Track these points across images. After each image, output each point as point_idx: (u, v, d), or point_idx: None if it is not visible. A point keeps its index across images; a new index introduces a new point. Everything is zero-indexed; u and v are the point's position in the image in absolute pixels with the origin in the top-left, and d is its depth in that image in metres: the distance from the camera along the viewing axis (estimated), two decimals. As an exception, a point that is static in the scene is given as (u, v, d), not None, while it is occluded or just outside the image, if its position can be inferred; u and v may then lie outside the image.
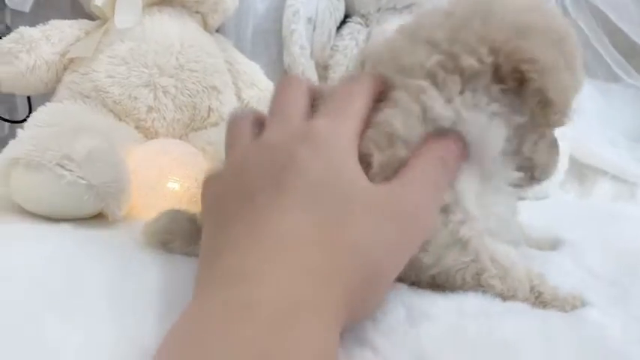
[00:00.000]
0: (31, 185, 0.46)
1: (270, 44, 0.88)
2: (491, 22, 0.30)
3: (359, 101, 0.29)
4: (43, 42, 0.60)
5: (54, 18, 0.67)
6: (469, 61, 0.29)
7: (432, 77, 0.30)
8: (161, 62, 0.61)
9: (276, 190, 0.26)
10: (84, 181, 0.45)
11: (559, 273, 0.36)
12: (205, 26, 0.72)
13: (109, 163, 0.47)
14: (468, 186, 0.31)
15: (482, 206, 0.32)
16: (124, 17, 0.58)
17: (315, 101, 0.32)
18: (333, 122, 0.28)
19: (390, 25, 0.81)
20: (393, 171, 0.29)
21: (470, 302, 0.30)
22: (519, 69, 0.29)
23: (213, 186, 0.30)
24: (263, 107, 0.33)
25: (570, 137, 0.86)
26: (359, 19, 0.87)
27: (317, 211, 0.25)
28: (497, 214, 0.33)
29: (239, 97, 0.71)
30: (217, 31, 0.85)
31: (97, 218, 0.49)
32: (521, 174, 0.34)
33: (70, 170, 0.44)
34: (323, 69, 0.87)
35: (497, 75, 0.30)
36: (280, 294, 0.22)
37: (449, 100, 0.29)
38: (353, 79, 0.31)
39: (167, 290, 0.32)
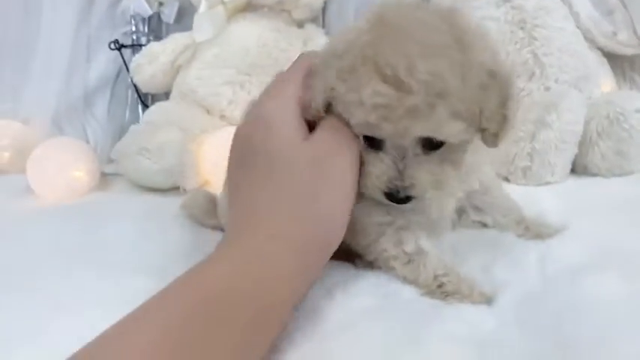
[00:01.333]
0: (129, 168, 0.67)
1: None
2: None
3: (293, 83, 0.36)
4: (161, 53, 0.79)
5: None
6: None
7: None
8: (238, 63, 0.76)
9: (242, 169, 0.35)
10: (156, 165, 0.63)
11: (510, 268, 0.38)
12: (293, 21, 0.84)
13: (175, 151, 0.64)
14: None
15: None
16: (200, 32, 0.74)
17: None
18: (276, 102, 0.36)
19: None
20: None
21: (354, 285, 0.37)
22: None
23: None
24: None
25: None
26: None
27: (272, 184, 0.33)
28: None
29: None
30: (323, 13, 0.95)
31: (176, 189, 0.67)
32: None
33: (148, 158, 0.63)
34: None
35: None
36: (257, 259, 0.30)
37: None
38: (292, 67, 0.38)
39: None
